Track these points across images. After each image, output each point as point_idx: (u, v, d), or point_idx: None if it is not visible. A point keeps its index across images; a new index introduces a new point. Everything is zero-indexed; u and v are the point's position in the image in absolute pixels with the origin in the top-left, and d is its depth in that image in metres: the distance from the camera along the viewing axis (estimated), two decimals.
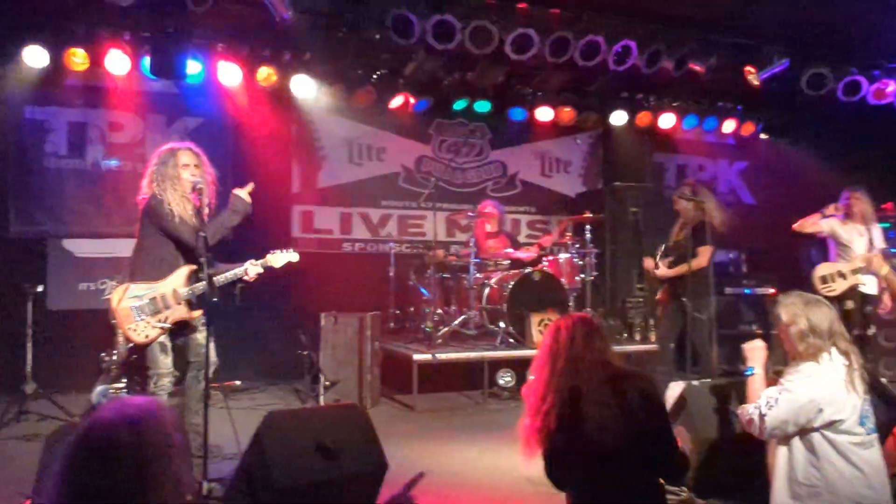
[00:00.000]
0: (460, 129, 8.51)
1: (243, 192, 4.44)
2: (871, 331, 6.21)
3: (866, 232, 6.06)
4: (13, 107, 6.68)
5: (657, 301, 5.88)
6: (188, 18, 5.64)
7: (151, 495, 1.49)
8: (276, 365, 6.93)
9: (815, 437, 2.83)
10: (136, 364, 4.93)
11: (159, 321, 4.18)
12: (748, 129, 8.64)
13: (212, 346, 4.40)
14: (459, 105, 7.91)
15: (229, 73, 6.68)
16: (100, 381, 5.10)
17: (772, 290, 7.81)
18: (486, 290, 6.88)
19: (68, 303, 6.79)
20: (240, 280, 4.36)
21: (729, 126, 8.59)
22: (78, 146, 7.00)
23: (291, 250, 4.49)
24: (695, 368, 5.70)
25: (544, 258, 7.29)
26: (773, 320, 3.07)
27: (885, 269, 5.83)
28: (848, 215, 6.13)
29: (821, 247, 6.41)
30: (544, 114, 8.10)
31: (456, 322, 6.81)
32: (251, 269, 4.34)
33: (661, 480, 2.65)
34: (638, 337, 7.48)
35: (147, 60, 6.12)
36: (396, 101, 7.49)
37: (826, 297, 3.67)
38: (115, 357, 5.68)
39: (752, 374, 3.12)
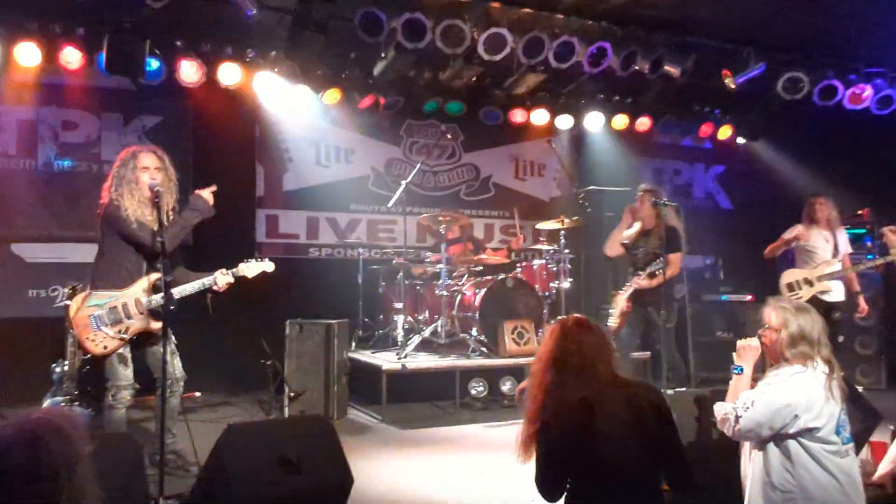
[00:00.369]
0: (432, 130, 8.54)
1: (205, 192, 4.40)
2: (840, 339, 6.35)
3: (832, 237, 6.22)
4: None
5: (621, 311, 5.89)
6: (146, 13, 5.58)
7: None
8: (238, 375, 6.85)
9: (791, 443, 2.88)
10: (92, 375, 4.85)
11: (119, 332, 4.13)
12: (725, 133, 8.79)
13: (177, 358, 4.38)
14: (431, 106, 7.92)
15: (189, 71, 6.60)
16: (50, 392, 5.00)
17: (749, 297, 7.95)
18: (458, 298, 6.90)
19: (17, 310, 6.67)
20: (209, 290, 4.32)
21: (705, 130, 8.73)
22: (28, 146, 6.88)
23: (267, 260, 4.46)
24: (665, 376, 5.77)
25: (518, 264, 7.32)
26: (763, 321, 3.10)
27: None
28: (813, 221, 6.28)
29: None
30: (518, 116, 8.17)
31: (427, 330, 6.81)
32: (221, 278, 4.29)
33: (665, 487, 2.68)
34: (615, 345, 7.54)
35: (102, 56, 6.03)
36: (365, 102, 7.48)
37: None
38: (66, 368, 5.59)
39: (740, 374, 3.16)
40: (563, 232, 7.19)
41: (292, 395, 5.92)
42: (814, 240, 6.22)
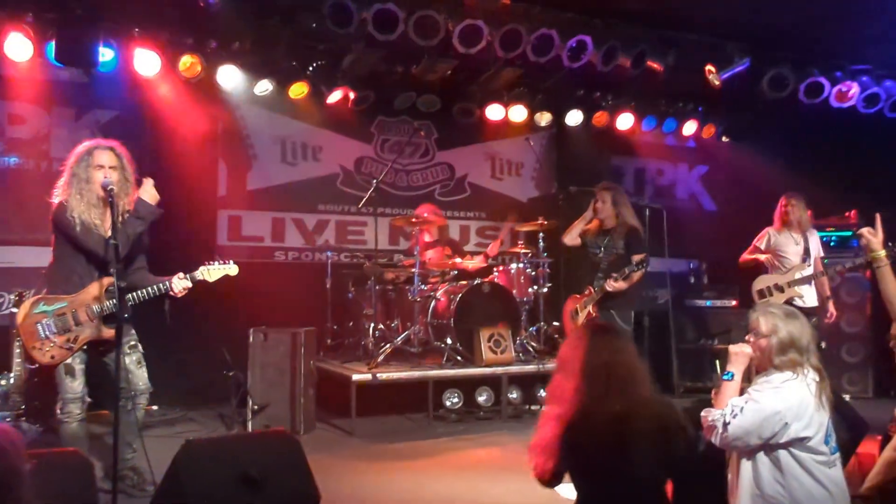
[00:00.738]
0: (404, 127, 8.52)
1: (147, 194, 4.25)
2: (823, 345, 6.46)
3: (802, 240, 6.32)
4: None
5: (586, 316, 5.94)
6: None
7: None
8: (198, 387, 6.76)
9: (782, 453, 2.92)
10: (41, 388, 4.76)
11: (67, 341, 4.06)
12: (709, 131, 8.88)
13: (143, 369, 4.30)
14: (403, 102, 7.90)
15: (146, 62, 6.50)
16: None
17: (734, 302, 8.03)
18: (432, 304, 6.88)
19: None
20: (166, 296, 4.25)
21: (689, 128, 8.82)
22: None
23: (231, 262, 4.38)
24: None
25: (494, 268, 7.32)
26: (751, 327, 3.13)
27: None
28: (784, 223, 6.38)
29: None
30: (495, 112, 8.17)
31: (399, 338, 6.78)
32: (177, 283, 4.22)
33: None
34: None
35: (52, 46, 5.93)
36: (334, 96, 7.44)
37: None
38: (11, 380, 5.48)
39: (730, 379, 3.19)
40: (541, 234, 7.21)
41: (256, 408, 5.87)
42: (784, 244, 6.34)
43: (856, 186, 8.20)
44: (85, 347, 4.15)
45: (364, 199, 7.09)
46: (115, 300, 4.01)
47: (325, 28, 5.76)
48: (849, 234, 7.94)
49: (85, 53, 5.86)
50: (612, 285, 5.78)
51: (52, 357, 4.06)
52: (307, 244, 8.10)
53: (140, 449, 4.33)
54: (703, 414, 3.15)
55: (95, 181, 4.15)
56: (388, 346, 6.67)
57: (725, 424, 2.95)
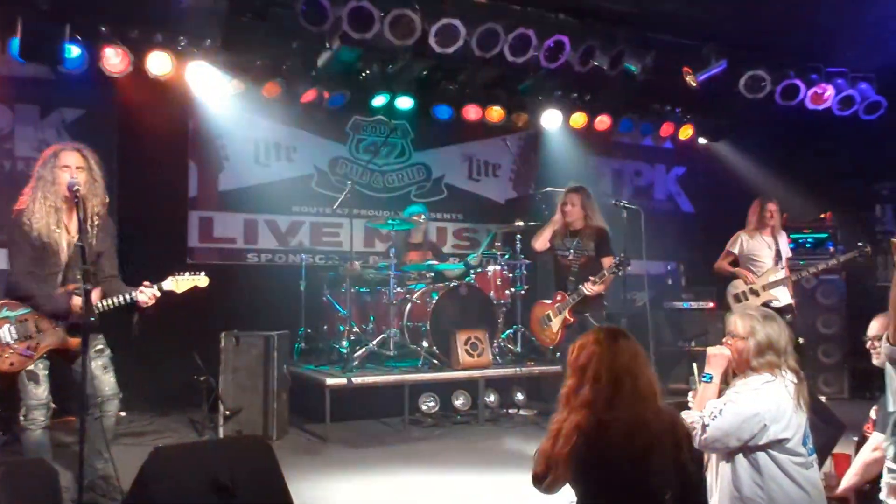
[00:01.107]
0: (380, 127, 8.49)
1: (144, 295, 4.15)
2: (801, 340, 6.59)
3: (774, 243, 6.49)
4: None
5: (563, 320, 5.96)
6: None
7: None
8: (167, 392, 6.69)
9: (761, 455, 2.96)
10: (4, 395, 4.67)
11: (28, 348, 4.00)
12: (686, 132, 8.96)
13: (110, 374, 4.24)
14: (379, 101, 7.89)
15: (114, 59, 6.41)
16: None
17: (711, 304, 8.11)
18: (408, 306, 6.87)
19: None
20: (132, 307, 4.18)
21: (667, 129, 8.90)
22: None
23: (202, 274, 4.31)
24: None
25: (471, 270, 7.32)
26: (729, 329, 3.17)
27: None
28: (760, 226, 6.53)
29: None
30: (472, 112, 8.18)
31: (374, 342, 6.76)
32: (144, 292, 4.15)
33: None
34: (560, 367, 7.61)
35: (16, 41, 5.82)
36: (308, 96, 7.40)
37: None
38: None
39: (709, 381, 3.22)
40: (518, 236, 7.23)
41: (228, 413, 5.82)
42: (757, 247, 6.52)
43: (831, 188, 8.32)
44: (45, 354, 4.09)
45: (339, 201, 7.06)
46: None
47: (298, 26, 5.71)
48: (824, 235, 8.06)
49: (51, 49, 5.77)
50: (592, 288, 5.74)
51: (12, 364, 3.99)
52: (280, 246, 8.06)
53: (109, 457, 4.27)
54: (681, 416, 3.19)
55: (61, 182, 4.08)
56: (362, 349, 6.65)
57: (704, 427, 2.98)
